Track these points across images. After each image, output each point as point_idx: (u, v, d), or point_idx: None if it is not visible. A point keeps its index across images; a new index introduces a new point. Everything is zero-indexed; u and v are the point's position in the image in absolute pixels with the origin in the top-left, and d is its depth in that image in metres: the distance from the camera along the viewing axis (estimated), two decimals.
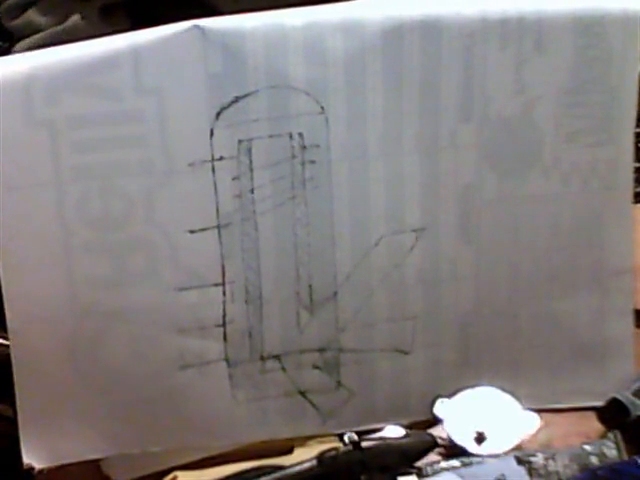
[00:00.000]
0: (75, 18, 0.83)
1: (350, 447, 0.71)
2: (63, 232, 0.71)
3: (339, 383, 0.78)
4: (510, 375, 0.79)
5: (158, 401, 0.75)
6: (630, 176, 0.77)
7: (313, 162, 0.73)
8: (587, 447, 0.72)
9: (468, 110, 0.74)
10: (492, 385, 0.77)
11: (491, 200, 0.76)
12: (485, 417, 0.75)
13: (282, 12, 0.71)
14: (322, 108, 0.72)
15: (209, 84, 0.70)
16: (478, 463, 0.71)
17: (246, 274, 0.74)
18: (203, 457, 0.75)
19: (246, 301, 0.75)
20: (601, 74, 0.74)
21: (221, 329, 0.75)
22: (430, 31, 0.72)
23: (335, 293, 0.76)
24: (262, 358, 0.76)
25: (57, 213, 0.71)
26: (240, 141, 0.72)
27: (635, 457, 0.70)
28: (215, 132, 0.71)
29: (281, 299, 0.75)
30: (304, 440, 0.77)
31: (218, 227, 0.73)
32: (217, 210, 0.73)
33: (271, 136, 0.72)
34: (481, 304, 0.78)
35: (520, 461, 0.71)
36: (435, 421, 0.76)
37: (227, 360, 0.76)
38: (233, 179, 0.72)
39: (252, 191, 0.73)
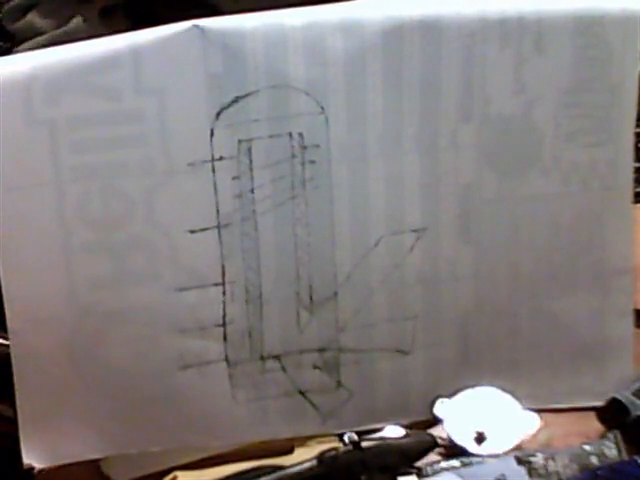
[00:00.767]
0: (76, 20, 0.84)
1: (350, 447, 0.71)
2: (63, 232, 0.71)
3: (339, 383, 0.78)
4: (510, 375, 0.79)
5: (158, 401, 0.75)
6: (630, 176, 0.77)
7: (313, 162, 0.73)
8: (587, 447, 0.72)
9: (468, 110, 0.74)
10: (492, 385, 0.77)
11: (491, 200, 0.76)
12: (485, 417, 0.75)
13: (282, 12, 0.71)
14: (322, 108, 0.72)
15: (209, 84, 0.70)
16: (478, 463, 0.71)
17: (246, 274, 0.74)
18: (203, 457, 0.75)
19: (246, 301, 0.75)
20: (601, 74, 0.74)
21: (221, 329, 0.75)
22: (430, 31, 0.72)
23: (335, 293, 0.76)
24: (262, 358, 0.76)
25: (57, 213, 0.71)
26: (240, 141, 0.72)
27: (635, 457, 0.70)
28: (215, 132, 0.71)
29: (281, 299, 0.75)
30: (304, 440, 0.76)
31: (218, 227, 0.73)
32: (217, 210, 0.73)
33: (271, 136, 0.72)
34: (481, 304, 0.78)
35: (520, 461, 0.71)
36: (435, 421, 0.76)
37: (227, 360, 0.76)
38: (233, 179, 0.72)
39: (252, 191, 0.73)
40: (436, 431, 0.75)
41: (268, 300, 0.75)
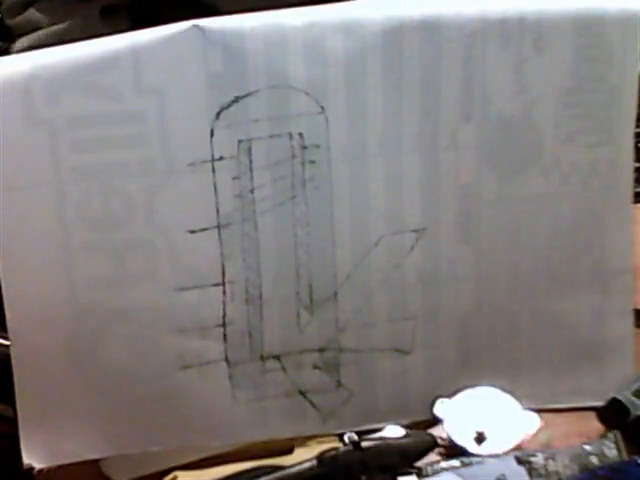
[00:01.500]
0: (75, 19, 0.83)
1: (350, 447, 0.71)
2: (63, 232, 0.71)
3: (339, 383, 0.78)
4: (510, 375, 0.79)
5: (158, 401, 0.75)
6: (630, 176, 0.77)
7: (313, 162, 0.73)
8: (587, 447, 0.72)
9: (468, 110, 0.74)
10: (492, 385, 0.77)
11: (491, 200, 0.76)
12: (485, 417, 0.75)
13: (282, 12, 0.71)
14: (322, 108, 0.72)
15: (209, 84, 0.70)
16: (478, 463, 0.71)
17: (246, 274, 0.74)
18: (203, 457, 0.75)
19: (246, 301, 0.75)
20: (601, 74, 0.74)
21: (221, 329, 0.75)
22: (430, 31, 0.72)
23: (335, 293, 0.76)
24: (262, 358, 0.76)
25: (57, 213, 0.71)
26: (240, 141, 0.72)
27: (635, 457, 0.70)
28: (215, 132, 0.71)
29: (281, 299, 0.75)
30: (304, 440, 0.77)
31: (218, 227, 0.73)
32: (217, 210, 0.73)
33: (271, 136, 0.72)
34: (481, 304, 0.78)
35: (520, 461, 0.71)
36: (435, 421, 0.76)
37: (227, 360, 0.76)
38: (233, 179, 0.72)
39: (252, 191, 0.73)
40: (436, 431, 0.75)
41: (268, 300, 0.75)
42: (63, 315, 0.73)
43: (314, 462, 0.71)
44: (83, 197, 0.71)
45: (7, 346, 0.73)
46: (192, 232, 0.73)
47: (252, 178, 0.73)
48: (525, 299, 0.78)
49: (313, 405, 0.77)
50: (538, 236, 0.77)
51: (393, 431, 0.77)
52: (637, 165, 0.79)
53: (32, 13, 0.84)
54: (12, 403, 0.74)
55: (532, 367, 0.79)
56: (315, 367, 0.77)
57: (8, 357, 0.73)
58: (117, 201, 0.71)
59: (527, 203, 0.77)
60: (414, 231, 0.76)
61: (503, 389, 0.77)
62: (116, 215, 0.72)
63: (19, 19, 0.84)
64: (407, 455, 0.72)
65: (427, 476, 0.71)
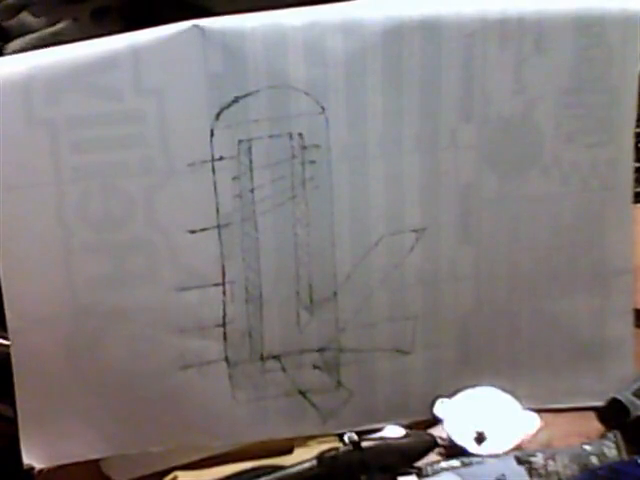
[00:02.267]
0: (67, 21, 0.84)
1: (350, 447, 0.71)
2: (63, 232, 0.71)
3: (339, 383, 0.78)
4: (510, 375, 0.79)
5: (158, 401, 0.75)
6: (630, 176, 0.77)
7: (313, 162, 0.73)
8: (587, 447, 0.72)
9: (468, 110, 0.74)
10: (492, 385, 0.77)
11: (491, 200, 0.76)
12: (485, 417, 0.75)
13: (282, 12, 0.71)
14: (322, 108, 0.72)
15: (209, 84, 0.70)
16: (478, 463, 0.71)
17: (246, 274, 0.74)
18: (203, 457, 0.75)
19: (246, 301, 0.75)
20: (601, 74, 0.74)
21: (221, 329, 0.75)
22: (430, 31, 0.72)
23: (335, 293, 0.76)
24: (262, 358, 0.76)
25: (57, 213, 0.71)
26: (240, 141, 0.72)
27: (635, 457, 0.70)
28: (215, 132, 0.71)
29: (281, 299, 0.75)
30: (304, 440, 0.77)
31: (218, 227, 0.73)
32: (217, 210, 0.73)
33: (271, 136, 0.72)
34: (481, 304, 0.78)
35: (520, 461, 0.71)
36: (435, 421, 0.76)
37: (227, 360, 0.76)
38: (233, 179, 0.72)
39: (252, 191, 0.73)
40: (436, 431, 0.75)
41: (268, 300, 0.75)
42: (63, 315, 0.73)
43: (314, 462, 0.71)
44: (83, 197, 0.71)
45: (7, 346, 0.73)
46: (192, 232, 0.73)
47: (252, 178, 0.73)
48: (525, 299, 0.78)
49: (313, 405, 0.77)
50: (538, 236, 0.77)
51: (393, 431, 0.77)
52: (637, 165, 0.79)
53: (25, 16, 0.84)
54: (12, 403, 0.74)
55: (532, 367, 0.79)
56: (315, 367, 0.77)
57: (8, 357, 0.73)
58: (117, 201, 0.71)
59: (527, 203, 0.77)
60: (414, 231, 0.76)
61: (503, 389, 0.77)
62: (116, 215, 0.72)
63: (12, 22, 0.84)
64: (407, 455, 0.72)
65: (427, 476, 0.71)
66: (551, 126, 0.75)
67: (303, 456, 0.73)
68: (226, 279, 0.74)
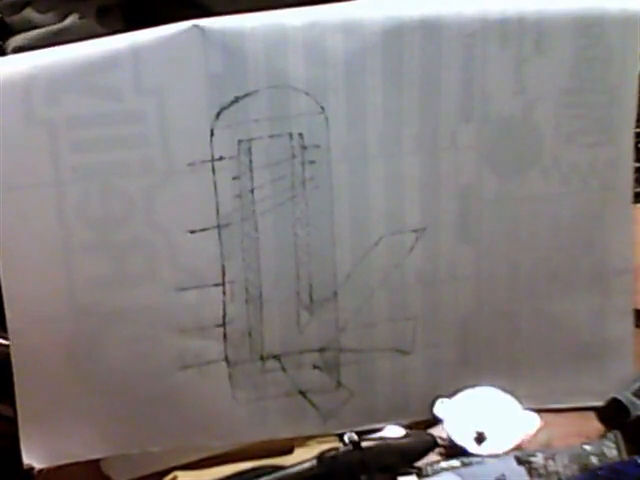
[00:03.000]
0: (72, 17, 0.83)
1: (350, 447, 0.71)
2: (63, 232, 0.71)
3: (339, 383, 0.78)
4: (510, 375, 0.79)
5: (158, 401, 0.75)
6: (630, 176, 0.77)
7: (313, 162, 0.73)
8: (587, 447, 0.72)
9: (468, 110, 0.74)
10: (492, 385, 0.77)
11: (491, 200, 0.76)
12: (485, 417, 0.75)
13: (282, 12, 0.71)
14: (322, 108, 0.72)
15: (209, 84, 0.70)
16: (478, 463, 0.71)
17: (246, 274, 0.74)
18: (203, 457, 0.75)
19: (246, 301, 0.75)
20: (601, 74, 0.74)
21: (221, 329, 0.75)
22: (430, 31, 0.72)
23: (335, 293, 0.76)
24: (262, 358, 0.76)
25: (57, 213, 0.71)
26: (240, 141, 0.72)
27: (635, 457, 0.70)
28: (215, 132, 0.71)
29: (281, 299, 0.75)
30: (304, 440, 0.77)
31: (218, 227, 0.73)
32: (217, 210, 0.73)
33: (271, 136, 0.72)
34: (481, 304, 0.78)
35: (520, 461, 0.71)
36: (435, 421, 0.76)
37: (227, 360, 0.76)
38: (233, 179, 0.72)
39: (252, 191, 0.73)
40: (436, 431, 0.75)
41: (268, 300, 0.75)
42: (63, 315, 0.73)
43: (314, 462, 0.71)
44: (83, 197, 0.71)
45: (7, 346, 0.73)
46: (192, 232, 0.73)
47: (252, 178, 0.73)
48: (525, 299, 0.78)
49: (313, 405, 0.77)
50: (538, 236, 0.77)
51: (393, 431, 0.77)
52: (637, 165, 0.79)
53: (29, 12, 0.84)
54: (12, 403, 0.74)
55: (532, 367, 0.79)
56: (315, 367, 0.77)
57: (8, 357, 0.73)
58: (117, 201, 0.71)
59: (527, 203, 0.77)
60: (414, 231, 0.76)
61: (503, 389, 0.77)
62: (116, 215, 0.72)
63: (16, 18, 0.84)
64: (407, 455, 0.72)
65: (427, 476, 0.71)
66: (551, 126, 0.75)
67: (303, 456, 0.73)
68: (226, 279, 0.74)
